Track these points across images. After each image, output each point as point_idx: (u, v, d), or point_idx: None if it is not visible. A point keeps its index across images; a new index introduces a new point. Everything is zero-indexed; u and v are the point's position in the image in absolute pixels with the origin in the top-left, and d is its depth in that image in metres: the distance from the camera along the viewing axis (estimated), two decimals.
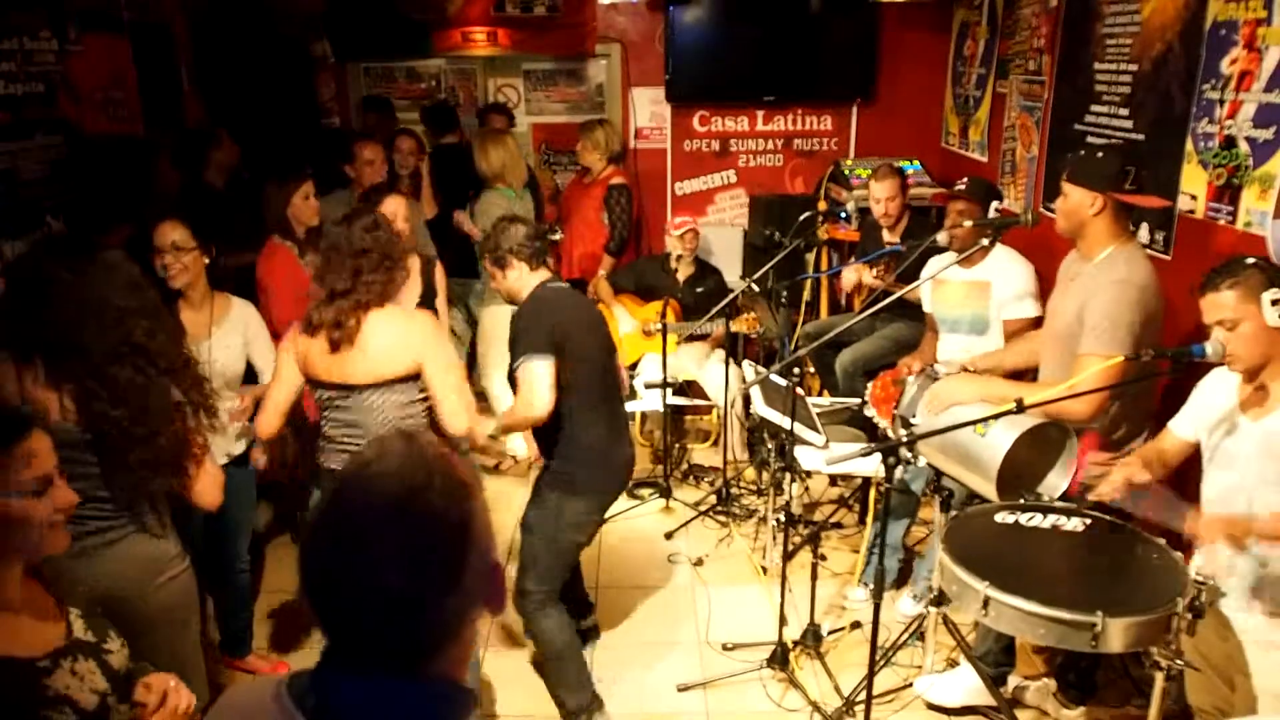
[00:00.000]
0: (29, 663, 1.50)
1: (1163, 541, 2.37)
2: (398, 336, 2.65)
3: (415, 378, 2.70)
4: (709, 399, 4.97)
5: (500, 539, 4.31)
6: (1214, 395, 2.34)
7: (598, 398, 2.98)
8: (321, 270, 2.68)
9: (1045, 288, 3.29)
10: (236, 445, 3.07)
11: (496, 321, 4.73)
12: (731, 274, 5.42)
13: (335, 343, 2.60)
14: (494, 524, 1.08)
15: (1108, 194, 2.66)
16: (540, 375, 2.77)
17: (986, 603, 2.20)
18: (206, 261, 2.91)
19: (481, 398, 5.47)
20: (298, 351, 2.69)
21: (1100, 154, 2.77)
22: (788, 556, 3.48)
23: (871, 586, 2.63)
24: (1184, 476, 2.58)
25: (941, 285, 3.60)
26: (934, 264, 3.50)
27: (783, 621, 3.31)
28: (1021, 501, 2.62)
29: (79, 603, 1.67)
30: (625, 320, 4.98)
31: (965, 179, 3.64)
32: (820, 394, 4.78)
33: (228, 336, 2.97)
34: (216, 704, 1.16)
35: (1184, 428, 2.41)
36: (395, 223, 3.45)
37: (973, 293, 3.50)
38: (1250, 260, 2.18)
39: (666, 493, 4.59)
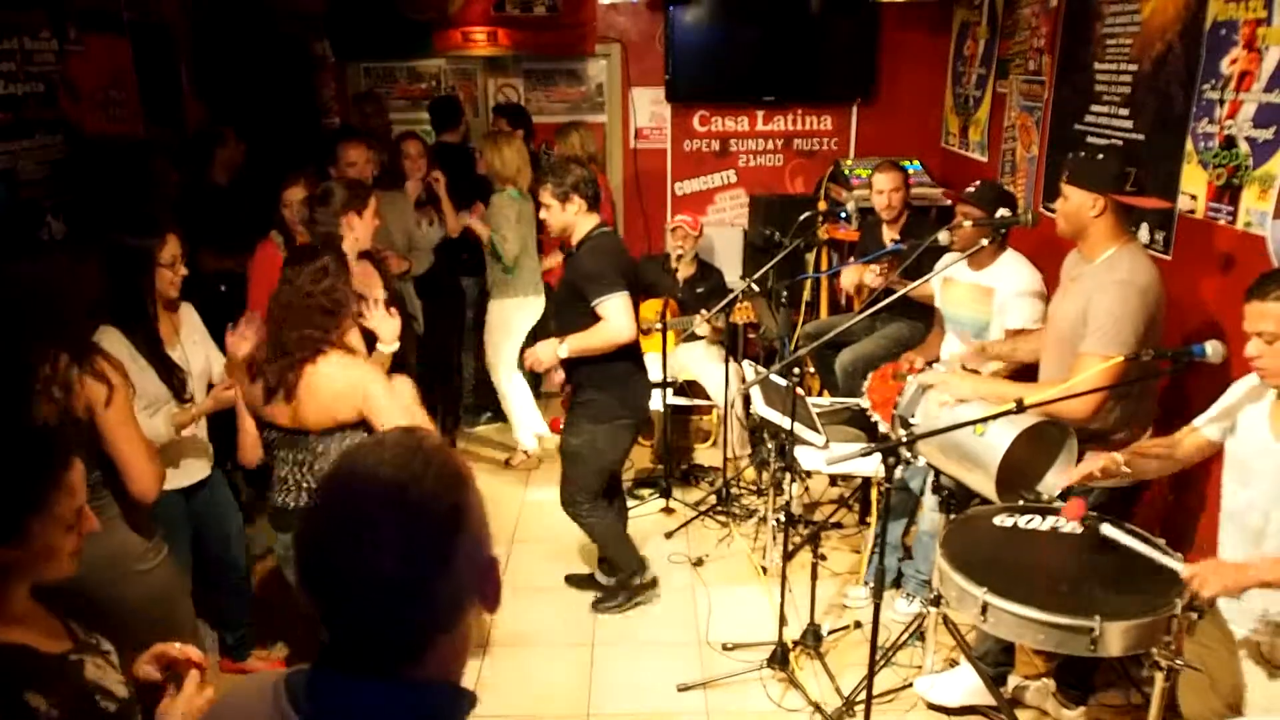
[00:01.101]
0: (62, 656, 1.50)
1: (1162, 542, 2.37)
2: (341, 388, 2.54)
3: (364, 422, 2.60)
4: (709, 399, 4.97)
5: (504, 531, 4.35)
6: (1242, 402, 2.29)
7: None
8: (268, 318, 2.58)
9: (1051, 290, 3.28)
10: (205, 462, 3.06)
11: (504, 315, 4.74)
12: (731, 274, 5.42)
13: (271, 393, 2.55)
14: (497, 516, 1.08)
15: (1108, 196, 2.66)
16: (623, 307, 3.22)
17: (985, 609, 2.19)
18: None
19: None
20: (243, 390, 2.66)
21: (1100, 155, 2.77)
22: (788, 556, 3.48)
23: (873, 585, 2.63)
24: (1182, 477, 2.59)
25: (951, 284, 3.60)
26: (946, 259, 3.49)
27: (783, 621, 3.31)
28: (1020, 502, 2.62)
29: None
30: None
31: (978, 182, 3.64)
32: (820, 394, 4.78)
33: (192, 336, 2.99)
34: (215, 703, 1.16)
35: (1211, 428, 2.36)
36: (364, 226, 3.40)
37: (977, 296, 3.50)
38: None
39: (666, 493, 4.59)
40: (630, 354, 3.40)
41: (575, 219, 3.32)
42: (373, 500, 0.98)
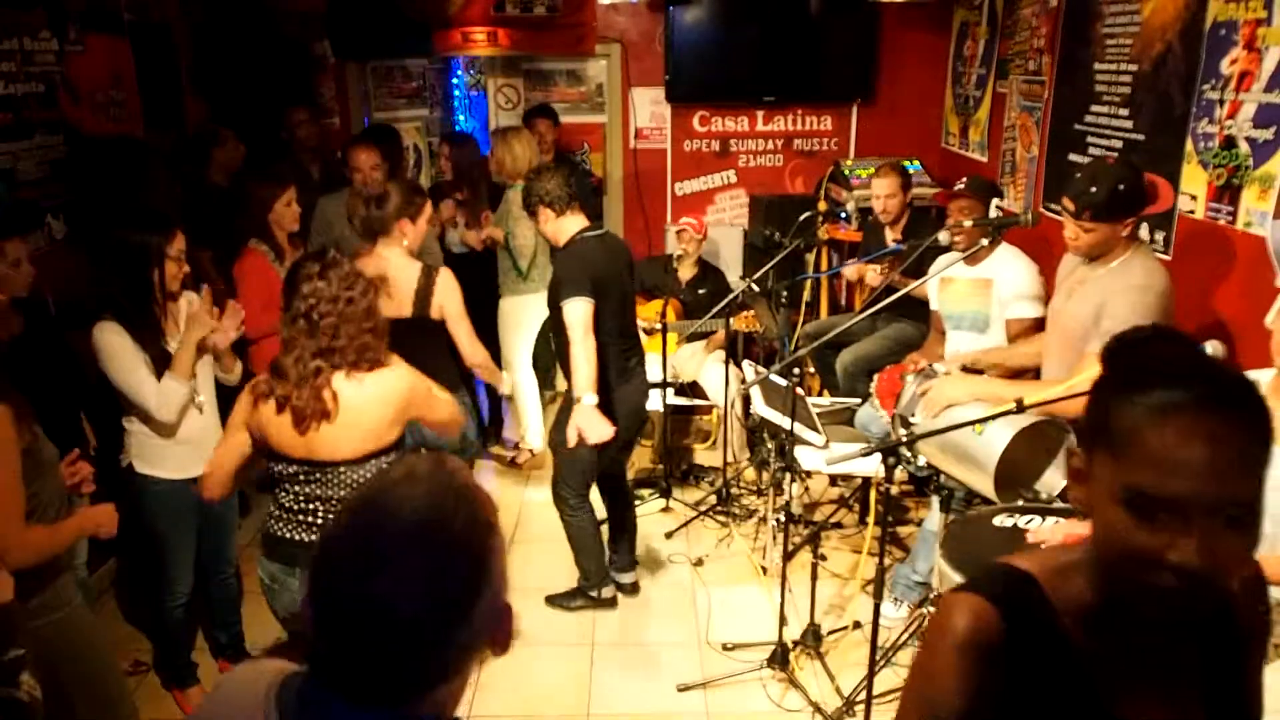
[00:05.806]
0: None
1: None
2: (399, 392, 2.36)
3: (397, 447, 2.42)
4: (709, 399, 4.97)
5: (505, 531, 4.32)
6: None
7: (613, 340, 3.34)
8: (288, 329, 2.31)
9: (1049, 287, 3.28)
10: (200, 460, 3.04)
11: (515, 311, 4.73)
12: (732, 274, 5.42)
13: (302, 416, 2.26)
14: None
15: (1140, 213, 2.69)
16: (576, 312, 3.17)
17: None
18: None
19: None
20: (253, 418, 2.34)
21: (1121, 186, 2.70)
22: (788, 556, 3.48)
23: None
24: None
25: (949, 283, 3.62)
26: (941, 261, 3.50)
27: (783, 621, 3.31)
28: (1020, 502, 2.62)
29: None
30: None
31: (965, 178, 3.65)
32: (820, 394, 4.78)
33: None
34: (212, 693, 1.14)
35: None
36: (416, 233, 3.42)
37: (976, 289, 3.51)
38: None
39: (666, 493, 4.59)
40: (611, 363, 3.34)
41: (550, 228, 3.33)
42: (401, 537, 0.94)
